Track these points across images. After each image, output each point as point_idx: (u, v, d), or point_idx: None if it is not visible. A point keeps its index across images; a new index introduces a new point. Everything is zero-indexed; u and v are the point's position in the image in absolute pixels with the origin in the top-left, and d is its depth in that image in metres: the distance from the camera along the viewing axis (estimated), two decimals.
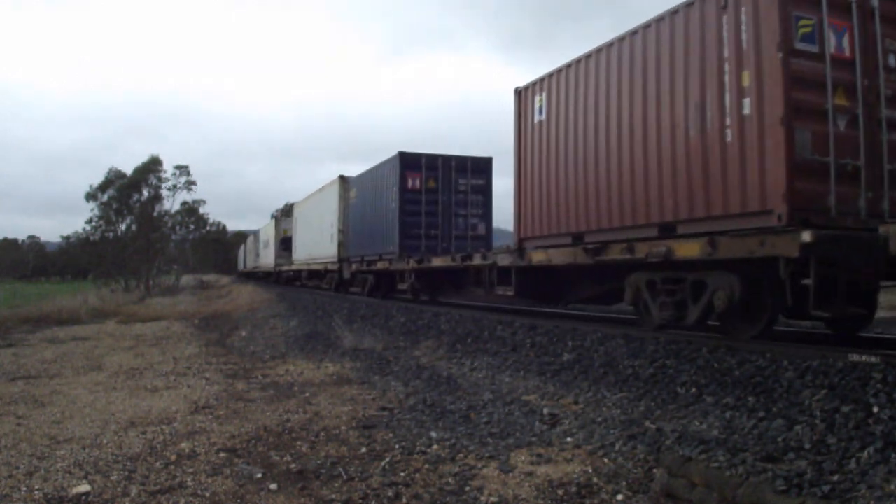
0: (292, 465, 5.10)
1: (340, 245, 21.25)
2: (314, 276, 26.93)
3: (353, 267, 20.09)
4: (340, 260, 21.25)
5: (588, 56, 8.99)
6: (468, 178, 16.62)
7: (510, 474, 4.67)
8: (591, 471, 4.61)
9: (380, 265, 17.38)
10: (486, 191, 16.96)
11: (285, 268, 33.74)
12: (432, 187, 16.34)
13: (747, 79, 6.49)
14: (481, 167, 16.90)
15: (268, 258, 39.78)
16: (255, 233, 49.74)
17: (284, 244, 34.23)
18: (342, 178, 21.74)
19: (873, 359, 5.26)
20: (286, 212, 35.48)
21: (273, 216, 41.47)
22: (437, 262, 13.76)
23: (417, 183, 16.34)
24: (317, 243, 24.78)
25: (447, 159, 16.58)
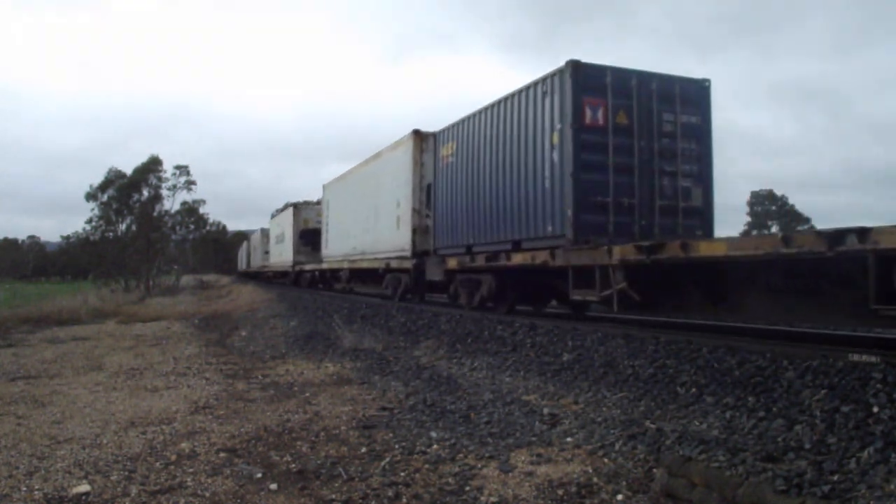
0: (292, 465, 5.10)
1: (416, 232, 14.76)
2: (361, 277, 20.50)
3: (451, 264, 12.72)
4: (417, 254, 14.67)
5: None
6: (676, 113, 9.98)
7: (510, 474, 4.67)
8: (591, 471, 4.61)
9: (517, 259, 10.39)
10: (701, 134, 10.19)
11: (309, 267, 27.44)
12: (623, 125, 9.67)
13: None
14: (693, 96, 10.16)
15: (282, 255, 33.34)
16: (263, 229, 44.19)
17: (306, 238, 28.51)
18: (418, 135, 15.01)
19: (873, 359, 5.26)
20: (294, 207, 30.26)
21: (273, 216, 39.60)
22: (743, 249, 6.62)
23: (600, 116, 9.51)
24: (367, 231, 18.24)
25: (645, 78, 9.85)
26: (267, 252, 40.51)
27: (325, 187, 24.52)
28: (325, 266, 24.23)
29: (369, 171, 18.64)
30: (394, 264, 16.14)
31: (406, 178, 15.35)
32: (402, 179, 15.63)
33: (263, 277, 44.28)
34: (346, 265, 20.94)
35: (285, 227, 32.05)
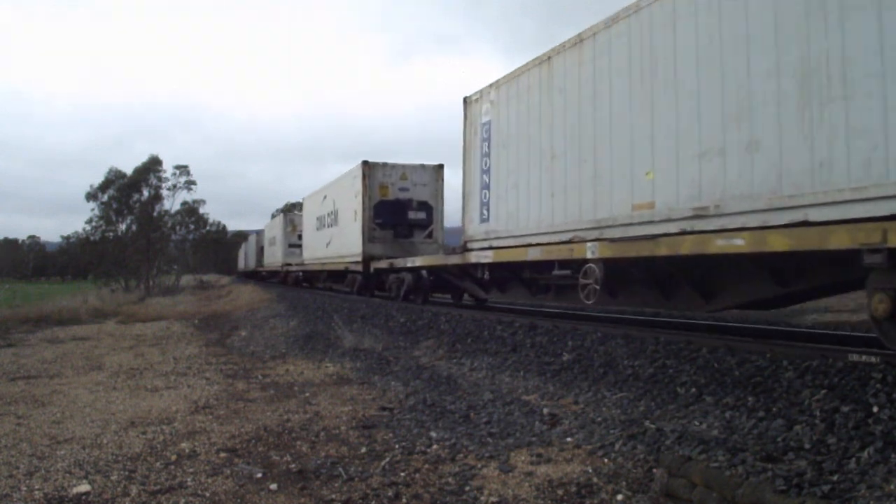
0: (292, 465, 5.10)
1: None
2: (655, 281, 8.70)
3: None
4: None
5: None
6: None
7: (510, 474, 4.67)
8: (591, 471, 4.61)
9: None
10: None
11: (416, 262, 14.70)
12: None
13: None
14: None
15: (330, 246, 21.22)
16: (285, 213, 34.69)
17: (383, 215, 17.56)
18: None
19: (873, 359, 5.26)
20: (365, 164, 17.71)
21: (274, 216, 38.40)
22: None
23: None
24: (724, 153, 6.53)
25: None
26: (295, 245, 29.08)
27: (467, 101, 12.25)
28: (484, 257, 11.30)
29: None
30: None
31: None
32: None
33: (290, 279, 31.55)
34: (595, 252, 8.48)
35: (342, 202, 19.75)
